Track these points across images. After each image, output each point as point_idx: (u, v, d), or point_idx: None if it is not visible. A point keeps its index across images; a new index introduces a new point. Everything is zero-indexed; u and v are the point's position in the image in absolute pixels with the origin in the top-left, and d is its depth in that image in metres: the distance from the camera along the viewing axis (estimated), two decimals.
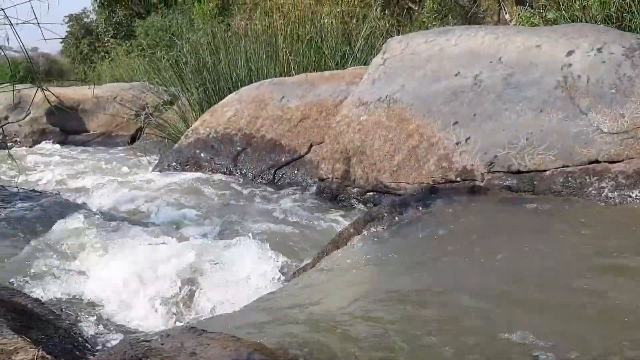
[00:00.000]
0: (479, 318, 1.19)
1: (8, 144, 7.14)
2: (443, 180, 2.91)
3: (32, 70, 8.99)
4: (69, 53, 20.93)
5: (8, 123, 7.06)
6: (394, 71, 3.48)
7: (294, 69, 5.43)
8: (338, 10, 6.06)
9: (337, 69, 5.43)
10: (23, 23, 2.79)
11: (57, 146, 6.89)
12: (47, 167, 5.02)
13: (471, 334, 1.12)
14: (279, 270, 2.11)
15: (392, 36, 5.83)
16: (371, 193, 3.20)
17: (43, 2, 2.80)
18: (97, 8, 18.29)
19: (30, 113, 7.17)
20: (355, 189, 3.28)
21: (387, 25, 5.96)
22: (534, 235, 1.79)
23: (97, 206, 3.34)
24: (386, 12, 7.87)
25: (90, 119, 7.52)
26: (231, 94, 4.63)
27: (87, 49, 19.09)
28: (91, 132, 7.43)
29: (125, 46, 15.09)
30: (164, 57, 6.11)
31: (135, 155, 5.60)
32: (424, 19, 7.27)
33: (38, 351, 0.94)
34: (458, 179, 2.89)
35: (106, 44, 17.25)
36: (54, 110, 7.04)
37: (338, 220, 2.90)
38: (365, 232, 1.73)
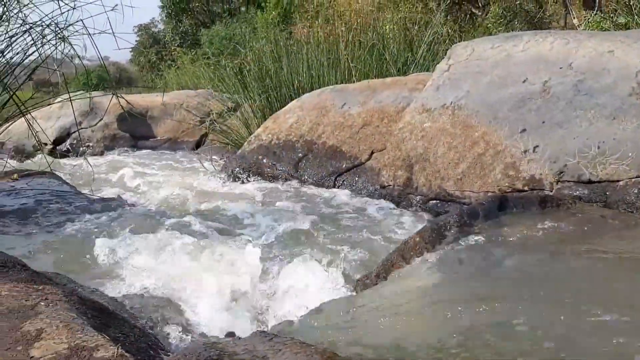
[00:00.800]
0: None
1: (82, 148, 7.52)
2: (510, 189, 2.84)
3: (104, 78, 9.43)
4: (137, 61, 21.81)
5: (82, 128, 7.41)
6: (459, 77, 3.43)
7: (355, 75, 5.44)
8: (400, 16, 6.02)
9: (399, 75, 5.40)
10: (99, 33, 2.93)
11: (127, 151, 7.18)
12: (117, 171, 5.24)
13: None
14: (341, 278, 2.12)
15: (454, 42, 5.75)
16: (434, 201, 3.16)
17: (118, 13, 2.93)
18: (164, 18, 18.99)
19: (102, 119, 7.51)
20: (418, 197, 3.25)
21: (450, 31, 5.86)
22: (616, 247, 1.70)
23: (164, 209, 3.45)
24: (449, 17, 7.77)
25: (157, 125, 7.80)
26: (293, 101, 4.68)
27: (155, 58, 19.82)
28: (158, 138, 7.69)
29: (191, 55, 15.56)
30: (227, 66, 6.26)
31: (200, 160, 5.76)
32: (489, 24, 7.13)
33: (117, 349, 0.98)
34: (526, 188, 2.81)
35: (172, 53, 17.85)
36: (126, 115, 7.36)
37: (400, 229, 2.87)
38: (433, 245, 1.70)
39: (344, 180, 3.81)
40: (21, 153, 7.44)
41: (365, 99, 4.18)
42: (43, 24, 2.84)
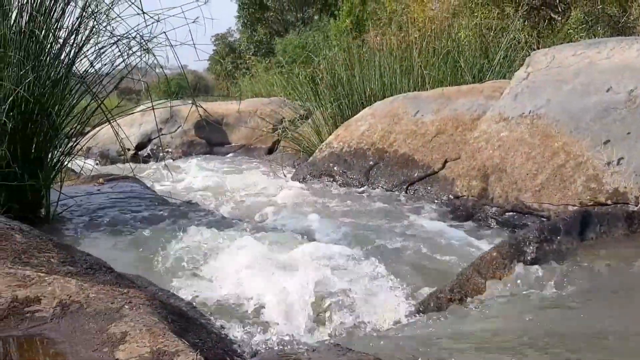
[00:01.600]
0: None
1: (161, 154, 7.85)
2: (592, 203, 2.70)
3: (184, 87, 9.83)
4: (214, 70, 22.58)
5: (162, 135, 7.74)
6: (538, 85, 3.31)
7: (429, 83, 5.37)
8: (475, 22, 5.88)
9: (474, 83, 5.28)
10: (180, 45, 3.06)
11: (204, 157, 7.44)
12: (194, 176, 5.43)
13: None
14: (411, 292, 2.08)
15: (533, 49, 5.56)
16: (510, 213, 3.06)
17: (199, 24, 3.05)
18: (240, 27, 19.54)
19: (181, 126, 7.81)
20: (494, 208, 3.15)
21: (528, 37, 5.67)
22: None
23: (237, 214, 3.54)
24: (526, 23, 7.52)
25: (232, 132, 8.02)
26: (365, 109, 4.68)
27: (231, 66, 20.43)
28: (233, 144, 7.91)
29: (265, 63, 15.92)
30: (300, 74, 6.34)
31: (272, 166, 5.88)
32: (569, 30, 6.83)
33: (196, 355, 1.01)
34: (609, 202, 2.67)
35: (247, 61, 18.34)
36: (203, 123, 7.63)
37: (475, 242, 2.80)
38: (511, 261, 1.64)
39: (415, 190, 3.77)
40: (106, 158, 7.87)
41: (439, 107, 4.11)
42: (129, 36, 2.99)
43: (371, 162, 4.08)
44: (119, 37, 3.05)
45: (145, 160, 7.96)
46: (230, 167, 6.16)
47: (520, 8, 6.67)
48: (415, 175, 3.82)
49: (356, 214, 3.41)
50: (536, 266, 1.67)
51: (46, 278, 1.30)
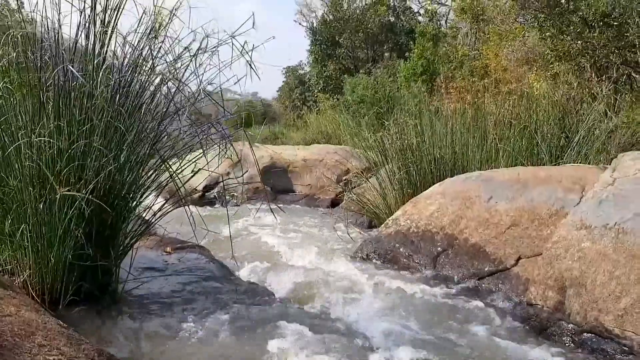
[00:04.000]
0: None
1: (226, 197, 7.98)
2: None
3: (251, 114, 9.99)
4: (282, 100, 23.00)
5: (229, 179, 7.87)
6: (625, 195, 3.11)
7: (502, 157, 5.20)
8: (557, 96, 5.66)
9: (551, 162, 5.07)
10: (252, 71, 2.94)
11: (267, 205, 7.49)
12: (259, 233, 5.48)
13: None
14: None
15: (619, 128, 5.28)
16: (589, 334, 2.85)
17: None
18: (311, 62, 19.83)
19: (247, 171, 7.92)
20: (570, 325, 2.96)
21: (615, 115, 5.40)
22: None
23: (295, 296, 3.51)
24: (610, 87, 7.18)
25: (297, 180, 8.07)
26: (435, 185, 4.57)
27: (298, 98, 20.75)
28: (297, 193, 7.94)
29: (332, 100, 16.04)
30: (370, 135, 6.26)
31: (335, 223, 5.85)
32: None
33: None
34: None
35: (315, 96, 18.56)
36: (269, 169, 7.72)
37: None
38: None
39: (485, 285, 3.60)
40: (173, 196, 8.08)
41: (514, 195, 3.95)
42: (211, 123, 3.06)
43: (439, 248, 3.95)
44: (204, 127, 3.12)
45: (211, 201, 8.12)
46: (292, 224, 6.15)
47: (607, 79, 6.37)
48: (486, 269, 3.66)
49: (420, 312, 3.28)
50: None
51: None
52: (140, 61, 2.71)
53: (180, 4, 2.85)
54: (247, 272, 3.96)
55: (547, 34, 9.59)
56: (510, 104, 5.32)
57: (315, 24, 19.29)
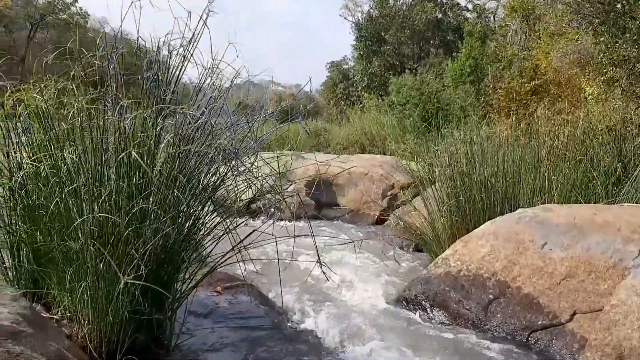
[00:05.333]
0: None
1: (270, 211, 8.04)
2: None
3: (294, 107, 10.03)
4: (325, 94, 22.95)
5: (275, 193, 7.91)
6: None
7: (556, 189, 5.04)
8: (613, 120, 5.45)
9: (606, 196, 4.89)
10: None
11: (312, 221, 7.50)
12: (303, 256, 5.50)
13: None
14: None
15: None
16: None
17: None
18: (355, 57, 19.68)
19: (294, 182, 7.95)
20: None
21: None
22: None
23: (340, 340, 3.52)
24: None
25: (341, 194, 8.05)
26: (487, 224, 4.47)
27: (342, 93, 20.65)
28: (341, 207, 7.93)
29: (376, 99, 15.89)
30: (420, 161, 6.16)
31: (382, 247, 5.81)
32: None
33: None
34: None
35: (359, 92, 18.44)
36: (314, 183, 7.70)
37: None
38: None
39: (538, 340, 3.52)
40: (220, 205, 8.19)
41: (569, 242, 3.83)
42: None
43: (491, 296, 3.87)
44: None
45: (256, 213, 8.19)
46: (337, 248, 6.14)
47: None
48: (539, 322, 3.57)
49: None
50: None
51: None
52: (198, 136, 2.74)
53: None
54: (297, 317, 3.99)
55: (602, 39, 9.25)
56: (565, 135, 5.14)
57: (360, 20, 19.10)
